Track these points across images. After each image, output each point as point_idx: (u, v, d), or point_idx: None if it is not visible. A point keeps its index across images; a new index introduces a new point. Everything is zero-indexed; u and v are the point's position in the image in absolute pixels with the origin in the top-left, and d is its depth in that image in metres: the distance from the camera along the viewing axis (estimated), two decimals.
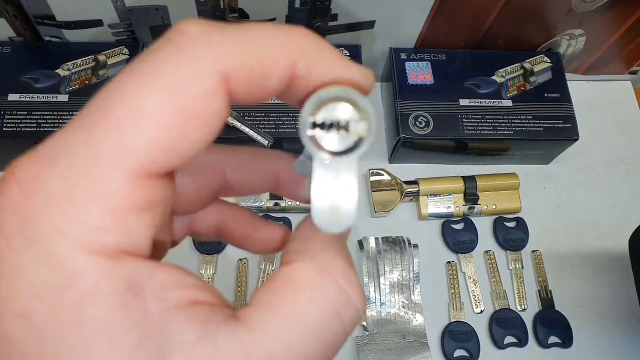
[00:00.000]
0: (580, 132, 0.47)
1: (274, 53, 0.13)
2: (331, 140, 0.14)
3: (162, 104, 0.12)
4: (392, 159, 0.50)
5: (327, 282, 0.14)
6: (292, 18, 0.45)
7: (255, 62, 0.13)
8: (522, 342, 0.44)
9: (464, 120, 0.46)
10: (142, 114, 0.12)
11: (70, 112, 0.43)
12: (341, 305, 0.14)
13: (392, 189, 0.47)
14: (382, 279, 0.44)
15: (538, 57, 0.50)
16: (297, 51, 0.13)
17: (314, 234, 0.16)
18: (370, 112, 0.13)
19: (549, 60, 0.50)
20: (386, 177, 0.47)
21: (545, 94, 0.48)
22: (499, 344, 0.44)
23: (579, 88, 0.54)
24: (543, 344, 0.44)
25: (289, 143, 0.45)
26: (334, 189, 0.14)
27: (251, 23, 0.14)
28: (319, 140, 0.13)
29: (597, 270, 0.47)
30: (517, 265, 0.47)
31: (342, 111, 0.13)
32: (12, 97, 0.43)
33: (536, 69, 0.49)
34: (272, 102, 0.45)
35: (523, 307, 0.45)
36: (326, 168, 0.14)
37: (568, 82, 0.49)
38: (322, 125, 0.13)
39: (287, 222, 0.46)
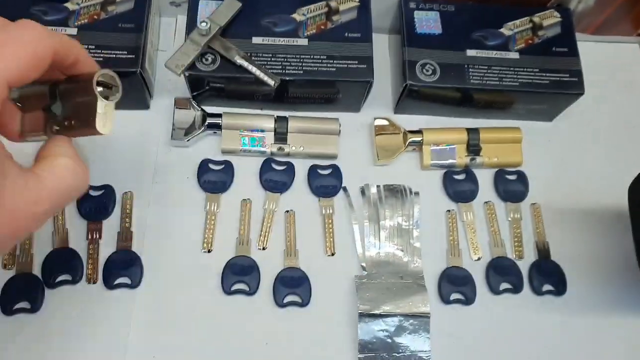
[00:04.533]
0: (586, 92, 0.47)
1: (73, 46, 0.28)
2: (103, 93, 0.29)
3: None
4: (397, 110, 0.50)
5: (75, 164, 0.28)
6: None
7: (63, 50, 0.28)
8: (517, 289, 0.45)
9: (470, 70, 0.46)
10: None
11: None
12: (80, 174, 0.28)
13: (395, 134, 0.47)
14: (382, 223, 0.45)
15: (548, 11, 0.49)
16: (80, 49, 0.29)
17: (66, 144, 0.29)
18: (117, 78, 0.30)
19: (558, 16, 0.49)
20: (390, 125, 0.48)
21: (554, 48, 0.48)
22: (494, 290, 0.44)
23: (587, 48, 0.54)
24: (537, 291, 0.45)
25: (294, 87, 0.46)
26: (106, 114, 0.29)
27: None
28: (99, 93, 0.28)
29: (594, 225, 0.48)
30: (516, 216, 0.47)
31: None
32: None
33: (545, 23, 0.49)
34: (280, 42, 0.45)
35: (520, 256, 0.46)
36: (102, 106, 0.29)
37: (577, 42, 0.49)
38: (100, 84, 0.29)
39: (290, 167, 0.47)
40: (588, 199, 0.49)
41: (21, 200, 0.24)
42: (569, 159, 0.50)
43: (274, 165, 0.47)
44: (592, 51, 0.54)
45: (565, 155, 0.51)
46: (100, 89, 0.29)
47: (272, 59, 0.44)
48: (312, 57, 0.45)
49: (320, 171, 0.47)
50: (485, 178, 0.49)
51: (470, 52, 0.47)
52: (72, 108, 0.29)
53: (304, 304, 0.42)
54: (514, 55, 0.48)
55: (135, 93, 0.46)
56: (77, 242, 0.42)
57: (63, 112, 0.30)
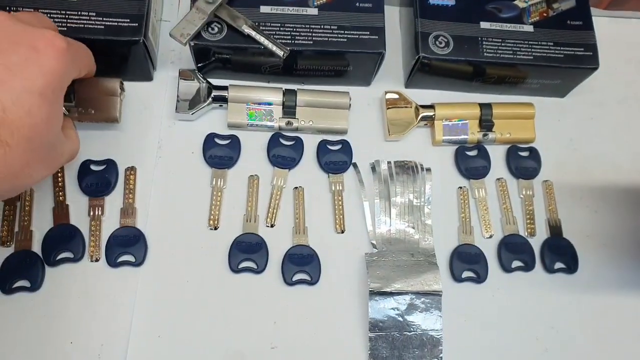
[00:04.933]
0: (598, 68, 0.46)
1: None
2: None
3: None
4: (408, 84, 0.48)
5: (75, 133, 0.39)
6: None
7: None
8: (528, 267, 0.44)
9: (484, 42, 0.45)
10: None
11: (79, 12, 0.41)
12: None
13: (407, 108, 0.46)
14: (393, 200, 0.44)
15: None
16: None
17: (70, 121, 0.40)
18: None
19: None
20: (402, 98, 0.46)
21: (568, 21, 0.47)
22: (506, 267, 0.44)
23: (600, 24, 0.52)
24: (549, 269, 0.44)
25: (303, 58, 0.44)
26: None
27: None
28: None
29: (606, 203, 0.47)
30: (528, 193, 0.46)
31: None
32: None
33: None
34: (289, 12, 0.43)
35: (532, 233, 0.45)
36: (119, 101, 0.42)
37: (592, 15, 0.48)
38: None
39: (299, 142, 0.45)
40: (600, 176, 0.48)
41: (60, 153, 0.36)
42: (582, 136, 0.49)
43: (282, 140, 0.45)
44: (605, 26, 0.53)
45: (578, 132, 0.50)
46: None
47: (281, 29, 0.43)
48: (322, 27, 0.43)
49: (329, 147, 0.45)
50: (497, 154, 0.48)
51: (484, 25, 0.46)
52: (91, 101, 0.41)
53: (313, 282, 0.41)
54: (529, 28, 0.46)
55: (138, 63, 0.44)
56: (79, 218, 0.41)
57: (79, 102, 0.41)
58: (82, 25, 0.41)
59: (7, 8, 0.40)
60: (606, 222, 0.47)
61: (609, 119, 0.51)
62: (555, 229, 0.46)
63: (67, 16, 0.41)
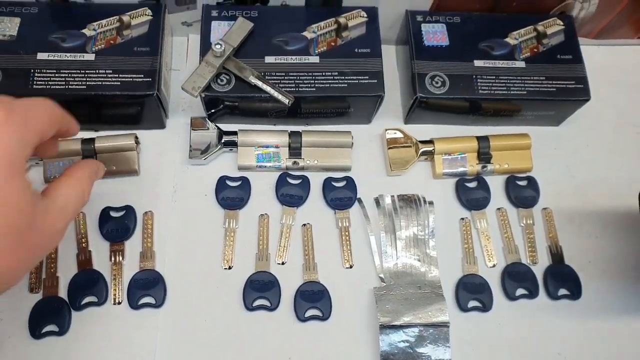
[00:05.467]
0: (591, 95, 0.48)
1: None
2: None
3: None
4: (407, 120, 0.51)
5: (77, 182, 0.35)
6: None
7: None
8: (533, 294, 0.45)
9: (478, 80, 0.47)
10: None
11: (97, 71, 0.44)
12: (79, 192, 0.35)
13: (407, 146, 0.48)
14: (398, 234, 0.46)
15: (551, 20, 0.50)
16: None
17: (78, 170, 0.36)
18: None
19: (561, 23, 0.50)
20: (402, 136, 0.49)
21: (558, 56, 0.49)
22: (510, 296, 0.45)
23: (590, 52, 0.55)
24: (553, 295, 0.46)
25: (307, 103, 0.46)
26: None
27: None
28: None
29: (605, 228, 0.49)
30: (529, 222, 0.48)
31: None
32: (41, 56, 0.44)
33: (549, 31, 0.50)
34: (292, 61, 0.46)
35: (534, 261, 0.47)
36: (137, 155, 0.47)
37: (580, 46, 0.50)
38: None
39: (305, 180, 0.48)
40: (598, 202, 0.50)
41: (46, 221, 0.31)
42: (578, 163, 0.51)
43: (289, 180, 0.47)
44: (595, 55, 0.55)
45: (574, 159, 0.51)
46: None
47: (285, 77, 0.45)
48: (323, 73, 0.46)
49: (334, 183, 0.48)
50: (496, 185, 0.49)
51: (478, 63, 0.48)
52: (111, 158, 0.45)
53: (324, 317, 0.43)
54: (520, 64, 0.49)
55: (152, 114, 0.47)
56: (101, 263, 0.43)
57: (100, 161, 0.45)
58: (100, 83, 0.44)
59: (32, 71, 0.43)
60: (607, 247, 0.48)
61: (604, 145, 0.52)
62: (556, 256, 0.47)
63: (86, 74, 0.44)
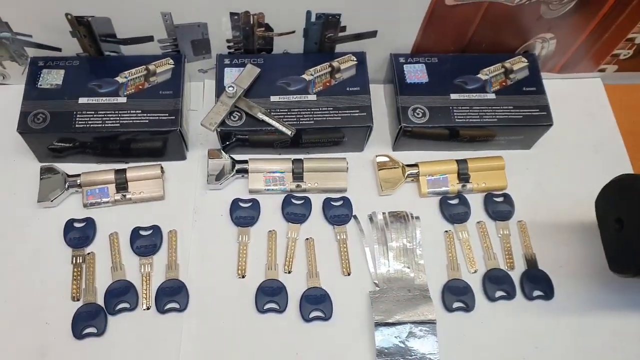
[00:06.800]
0: (557, 122, 0.56)
1: None
2: None
3: None
4: (395, 147, 0.58)
5: None
6: (308, 30, 0.54)
7: None
8: (510, 296, 0.51)
9: (454, 111, 0.55)
10: None
11: (129, 111, 0.52)
12: None
13: (395, 168, 0.55)
14: (389, 245, 0.53)
15: (517, 57, 0.59)
16: None
17: None
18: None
19: (525, 60, 0.58)
20: (390, 160, 0.56)
21: (524, 88, 0.57)
22: (491, 297, 0.51)
23: (555, 85, 0.63)
24: (528, 296, 0.51)
25: (307, 134, 0.54)
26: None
27: None
28: None
29: (573, 236, 0.55)
30: (505, 233, 0.54)
31: None
32: (82, 100, 0.52)
33: (515, 67, 0.58)
34: (293, 99, 0.54)
35: (511, 267, 0.53)
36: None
37: (546, 80, 0.58)
38: None
39: (307, 201, 0.55)
40: (566, 213, 0.56)
41: None
42: (547, 180, 0.58)
43: (293, 200, 0.55)
44: (559, 87, 0.63)
45: (544, 177, 0.58)
46: None
47: (288, 113, 0.53)
48: (320, 109, 0.54)
49: (333, 203, 0.55)
50: (476, 201, 0.56)
51: (454, 96, 0.56)
52: (141, 186, 0.53)
53: (327, 318, 0.49)
54: (491, 96, 0.56)
55: (175, 147, 0.54)
56: (132, 274, 0.50)
57: (132, 189, 0.53)
58: (131, 121, 0.52)
59: (74, 113, 0.51)
60: (574, 252, 0.54)
61: (569, 163, 0.59)
62: (531, 262, 0.53)
63: (119, 115, 0.52)
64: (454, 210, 0.55)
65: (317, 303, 0.49)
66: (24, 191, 0.53)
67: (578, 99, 0.64)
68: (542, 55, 0.60)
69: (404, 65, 0.57)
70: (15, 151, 0.55)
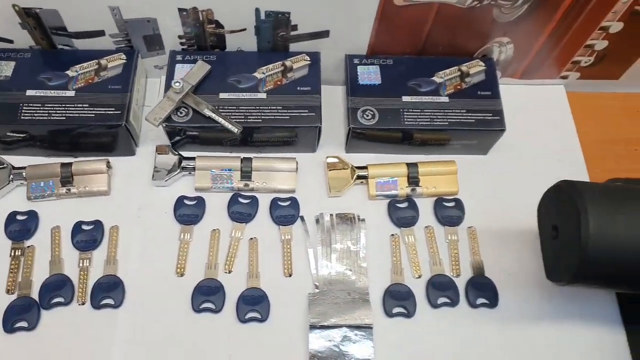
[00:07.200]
0: (516, 128, 0.55)
1: None
2: None
3: None
4: (348, 149, 0.58)
5: None
6: (259, 29, 0.54)
7: None
8: (454, 302, 0.51)
9: (405, 113, 0.54)
10: None
11: (75, 105, 0.52)
12: None
13: (344, 169, 0.55)
14: (333, 247, 0.52)
15: (474, 61, 0.58)
16: None
17: None
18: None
19: (483, 65, 0.58)
20: (340, 161, 0.55)
21: (479, 92, 0.56)
22: (433, 304, 0.50)
23: (516, 91, 0.62)
24: (472, 304, 0.51)
25: (257, 133, 0.54)
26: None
27: None
28: None
29: (521, 244, 0.54)
30: (453, 238, 0.54)
31: None
32: (30, 92, 0.52)
33: (472, 71, 0.57)
34: (243, 97, 0.53)
35: (457, 273, 0.52)
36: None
37: (507, 85, 0.57)
38: None
39: (254, 200, 0.54)
40: (520, 222, 0.55)
41: None
42: (501, 187, 0.57)
43: (240, 199, 0.54)
44: (519, 93, 0.62)
45: (497, 184, 0.57)
46: None
47: (236, 111, 0.53)
48: (269, 108, 0.53)
49: (280, 203, 0.54)
50: (426, 206, 0.55)
51: (406, 98, 0.55)
52: (86, 180, 0.52)
53: (263, 319, 0.49)
54: (444, 99, 0.56)
55: (123, 142, 0.54)
56: (71, 269, 0.50)
57: (76, 183, 0.52)
58: (78, 115, 0.52)
59: (20, 105, 0.51)
60: (521, 260, 0.53)
61: (527, 171, 0.58)
62: (478, 269, 0.52)
63: (66, 108, 0.52)
64: (401, 213, 0.54)
65: (254, 304, 0.49)
66: None
67: (539, 106, 0.63)
68: (501, 60, 0.60)
69: (358, 67, 0.57)
70: None
